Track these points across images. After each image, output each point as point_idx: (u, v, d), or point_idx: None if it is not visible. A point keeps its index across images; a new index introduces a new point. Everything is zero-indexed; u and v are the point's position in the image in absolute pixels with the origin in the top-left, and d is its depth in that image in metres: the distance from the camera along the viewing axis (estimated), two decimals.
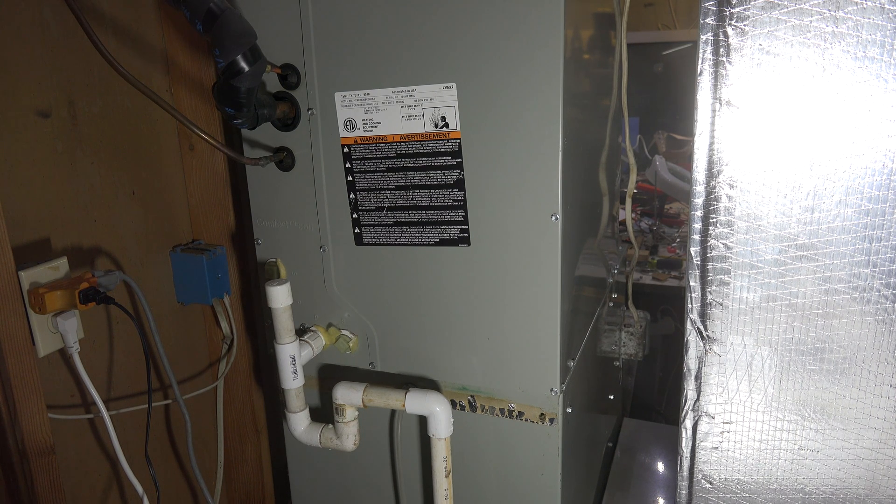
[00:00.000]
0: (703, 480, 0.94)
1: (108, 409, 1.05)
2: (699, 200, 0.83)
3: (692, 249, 0.85)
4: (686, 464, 0.95)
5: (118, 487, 1.23)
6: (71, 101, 1.09)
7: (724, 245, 0.83)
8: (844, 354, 0.81)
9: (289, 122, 1.09)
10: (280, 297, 1.06)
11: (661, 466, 1.64)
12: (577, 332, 1.16)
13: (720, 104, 0.80)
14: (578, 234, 1.11)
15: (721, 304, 0.85)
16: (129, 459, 1.07)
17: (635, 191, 1.30)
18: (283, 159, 1.11)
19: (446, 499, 1.08)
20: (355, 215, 1.09)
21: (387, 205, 1.06)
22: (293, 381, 1.10)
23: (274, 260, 1.17)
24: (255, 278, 1.42)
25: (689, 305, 0.87)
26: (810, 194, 0.78)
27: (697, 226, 0.84)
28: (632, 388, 1.95)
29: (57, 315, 1.02)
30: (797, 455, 0.88)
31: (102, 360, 1.17)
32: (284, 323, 1.07)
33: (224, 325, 1.37)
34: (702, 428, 0.92)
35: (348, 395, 1.08)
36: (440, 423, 1.04)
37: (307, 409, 1.14)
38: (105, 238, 1.17)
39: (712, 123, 0.81)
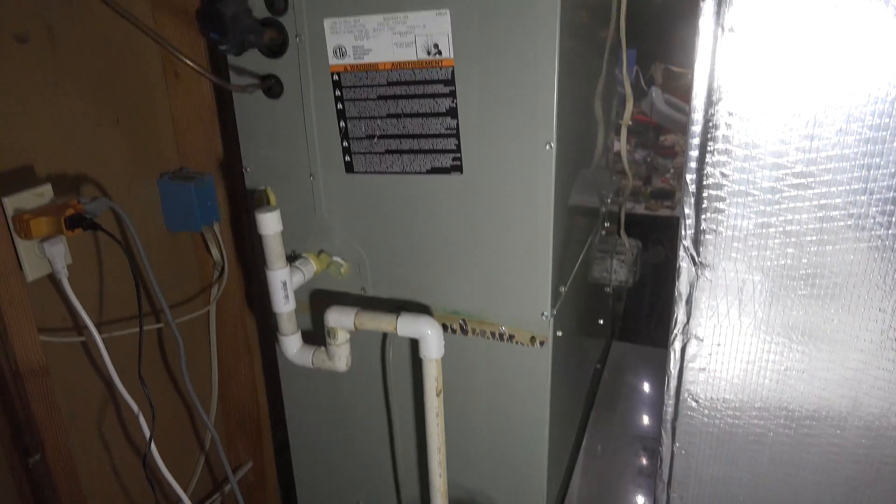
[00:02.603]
0: (689, 399, 0.97)
1: (100, 333, 1.05)
2: (697, 128, 0.82)
3: (688, 177, 0.84)
4: (673, 383, 0.97)
5: (114, 406, 1.26)
6: (49, 26, 1.04)
7: (721, 173, 0.82)
8: (836, 280, 0.82)
9: (276, 49, 1.05)
10: (270, 224, 1.05)
11: (647, 387, 1.69)
12: (570, 258, 1.16)
13: (722, 31, 0.77)
14: (573, 163, 1.10)
15: (715, 231, 0.85)
16: (124, 380, 1.08)
17: (630, 122, 1.29)
18: (271, 87, 1.07)
19: (437, 416, 1.10)
20: (345, 143, 1.07)
21: (378, 133, 1.04)
22: (284, 305, 1.10)
23: (263, 187, 1.16)
24: (244, 205, 1.40)
25: (683, 232, 0.87)
26: (810, 122, 0.77)
27: (694, 153, 0.83)
28: (621, 314, 1.98)
29: (44, 241, 1.01)
30: (783, 375, 0.90)
31: (92, 286, 1.17)
32: (275, 249, 1.06)
33: (214, 251, 1.36)
34: (690, 350, 0.93)
35: (340, 319, 1.08)
36: (431, 345, 1.05)
37: (299, 332, 1.15)
38: (90, 166, 1.14)
39: (713, 50, 0.78)
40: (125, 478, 1.32)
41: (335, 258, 1.14)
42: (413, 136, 1.02)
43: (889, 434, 0.90)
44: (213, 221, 1.31)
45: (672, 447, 1.03)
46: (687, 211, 0.85)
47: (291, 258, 1.14)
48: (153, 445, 1.09)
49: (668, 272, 1.92)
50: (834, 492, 0.96)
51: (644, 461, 1.44)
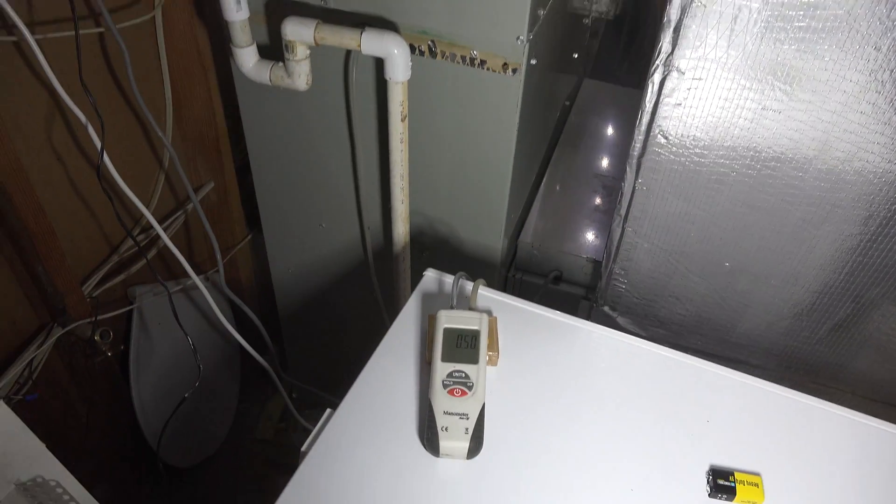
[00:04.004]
0: (659, 136, 0.95)
1: (32, 34, 0.95)
2: None
3: None
4: (646, 119, 0.94)
5: (61, 117, 1.19)
6: None
7: None
8: (837, 12, 0.76)
9: None
10: None
11: (612, 127, 1.67)
12: None
13: None
14: None
15: None
16: (67, 88, 1.01)
17: None
18: None
19: (401, 142, 1.08)
20: None
21: None
22: (237, 12, 1.00)
23: None
24: None
25: None
26: None
27: None
28: (595, 51, 1.90)
29: None
30: (758, 115, 0.88)
31: None
32: None
33: None
34: (669, 83, 0.89)
35: (298, 31, 1.00)
36: (397, 65, 0.99)
37: (254, 44, 1.06)
38: None
39: None
40: (83, 191, 1.30)
41: None
42: None
43: (848, 179, 0.91)
44: None
45: (634, 183, 1.04)
46: None
47: None
48: (107, 157, 1.05)
49: (649, 8, 1.80)
50: (783, 231, 1.00)
51: (600, 200, 1.47)
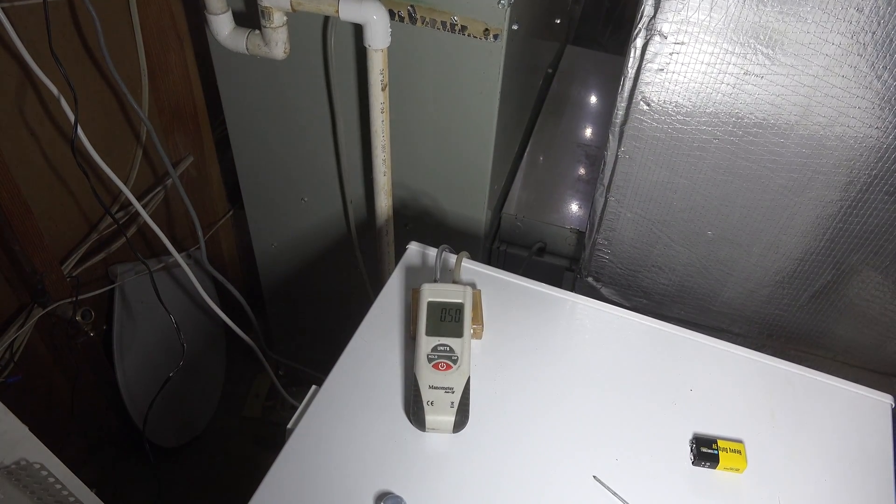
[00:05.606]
0: (641, 102, 0.94)
1: None
2: None
3: None
4: (628, 85, 0.93)
5: (33, 90, 1.16)
6: None
7: None
8: None
9: None
10: None
11: (596, 95, 1.65)
12: None
13: None
14: None
15: None
16: (39, 61, 0.98)
17: None
18: None
19: (382, 112, 1.06)
20: None
21: None
22: None
23: None
24: None
25: None
26: None
27: None
28: (578, 17, 1.87)
29: None
30: (741, 80, 0.87)
31: None
32: None
33: None
34: (651, 48, 0.88)
35: None
36: (377, 32, 0.97)
37: (230, 11, 1.04)
38: None
39: None
40: (59, 168, 1.27)
41: None
42: None
43: (830, 144, 0.91)
44: None
45: (617, 152, 1.03)
46: None
47: None
48: (82, 132, 1.03)
49: None
50: (764, 198, 1.00)
51: (584, 169, 1.46)
